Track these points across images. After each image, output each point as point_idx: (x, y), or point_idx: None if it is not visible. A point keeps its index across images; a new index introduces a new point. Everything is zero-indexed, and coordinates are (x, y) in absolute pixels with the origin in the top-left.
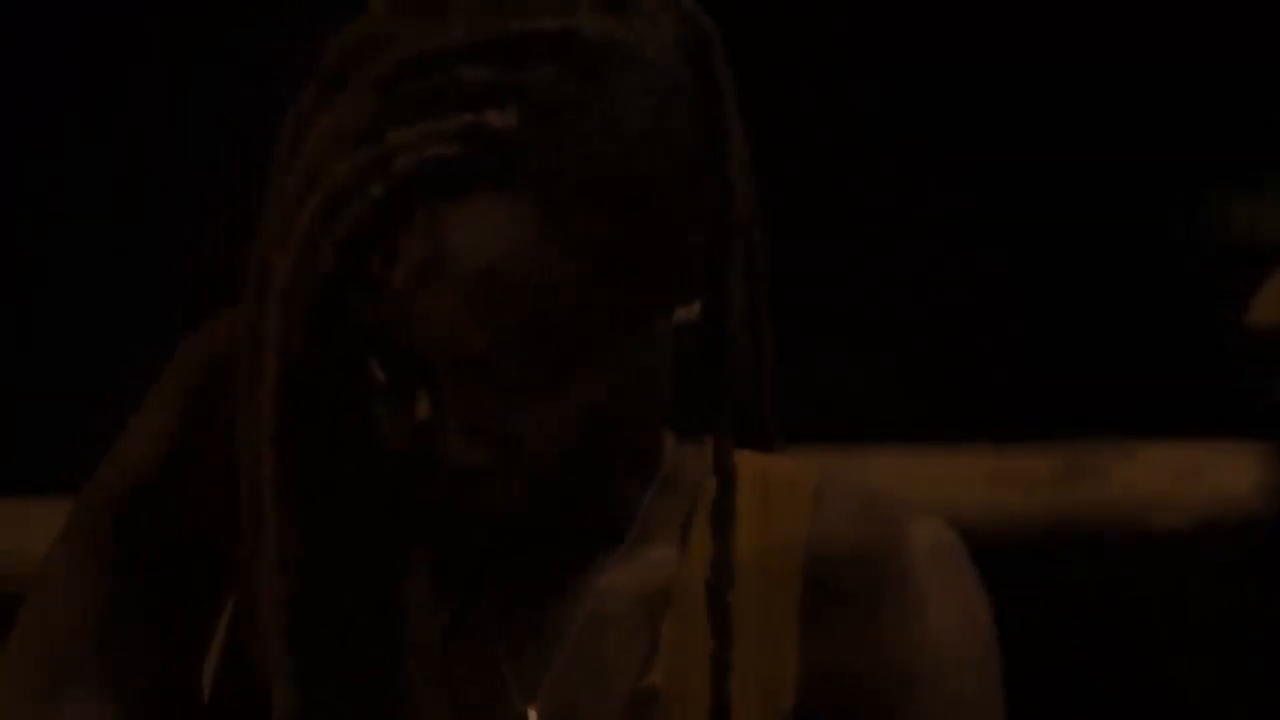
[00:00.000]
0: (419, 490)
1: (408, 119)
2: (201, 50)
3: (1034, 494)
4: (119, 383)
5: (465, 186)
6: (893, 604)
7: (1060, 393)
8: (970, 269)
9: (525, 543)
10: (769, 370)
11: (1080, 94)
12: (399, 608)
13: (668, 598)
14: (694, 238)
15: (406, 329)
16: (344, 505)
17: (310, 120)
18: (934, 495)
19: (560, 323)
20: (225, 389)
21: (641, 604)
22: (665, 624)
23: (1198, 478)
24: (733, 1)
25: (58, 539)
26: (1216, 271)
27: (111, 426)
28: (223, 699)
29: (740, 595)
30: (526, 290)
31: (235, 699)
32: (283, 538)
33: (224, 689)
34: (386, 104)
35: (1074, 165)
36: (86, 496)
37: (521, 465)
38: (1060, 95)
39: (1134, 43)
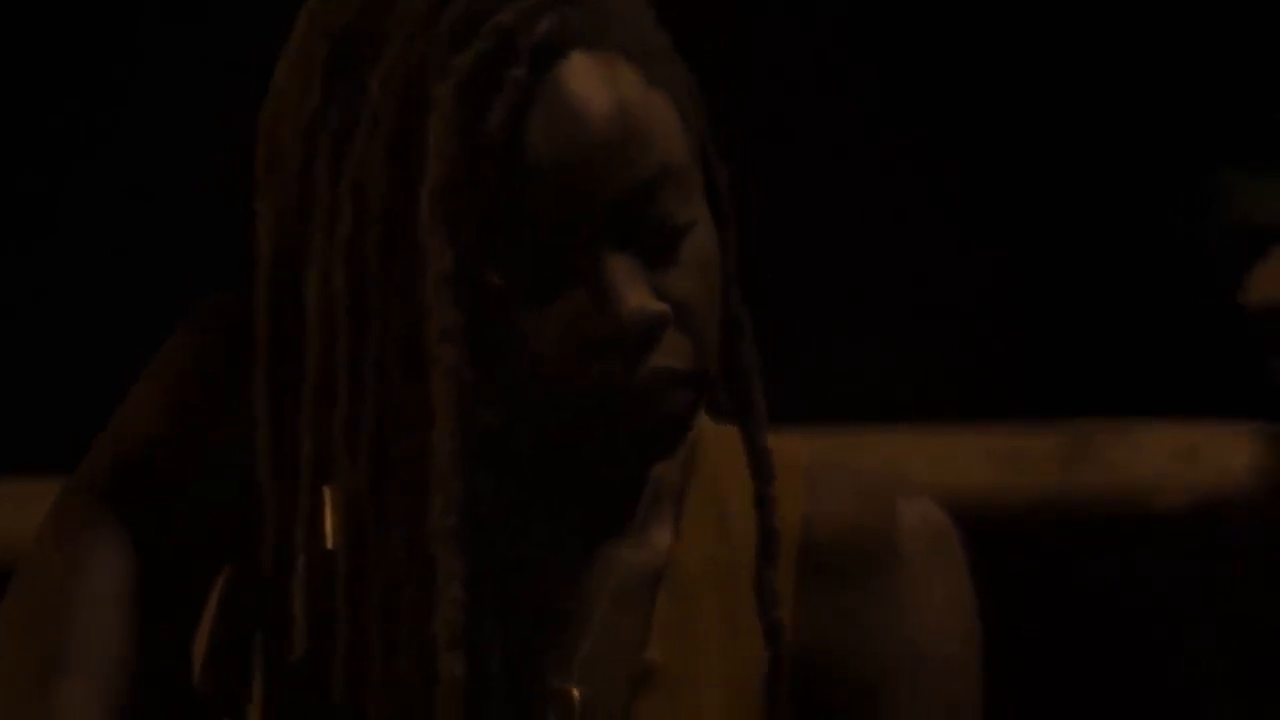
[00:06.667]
0: (585, 389)
1: (497, 3)
2: (201, 50)
3: (1033, 474)
4: (118, 366)
5: (567, 50)
6: (880, 586)
7: (1060, 373)
8: (970, 251)
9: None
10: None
11: (1081, 73)
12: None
13: (663, 575)
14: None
15: (556, 205)
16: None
17: (351, 34)
18: (934, 476)
19: (673, 163)
20: (224, 365)
21: (640, 579)
22: (660, 600)
23: (1196, 458)
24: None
25: (48, 515)
26: (1216, 252)
27: (109, 408)
28: (213, 676)
29: (739, 574)
30: (649, 128)
31: (226, 676)
32: (453, 494)
33: (214, 665)
34: None
35: (1074, 146)
36: (79, 474)
37: (692, 328)
38: (1061, 75)
39: (1135, 23)
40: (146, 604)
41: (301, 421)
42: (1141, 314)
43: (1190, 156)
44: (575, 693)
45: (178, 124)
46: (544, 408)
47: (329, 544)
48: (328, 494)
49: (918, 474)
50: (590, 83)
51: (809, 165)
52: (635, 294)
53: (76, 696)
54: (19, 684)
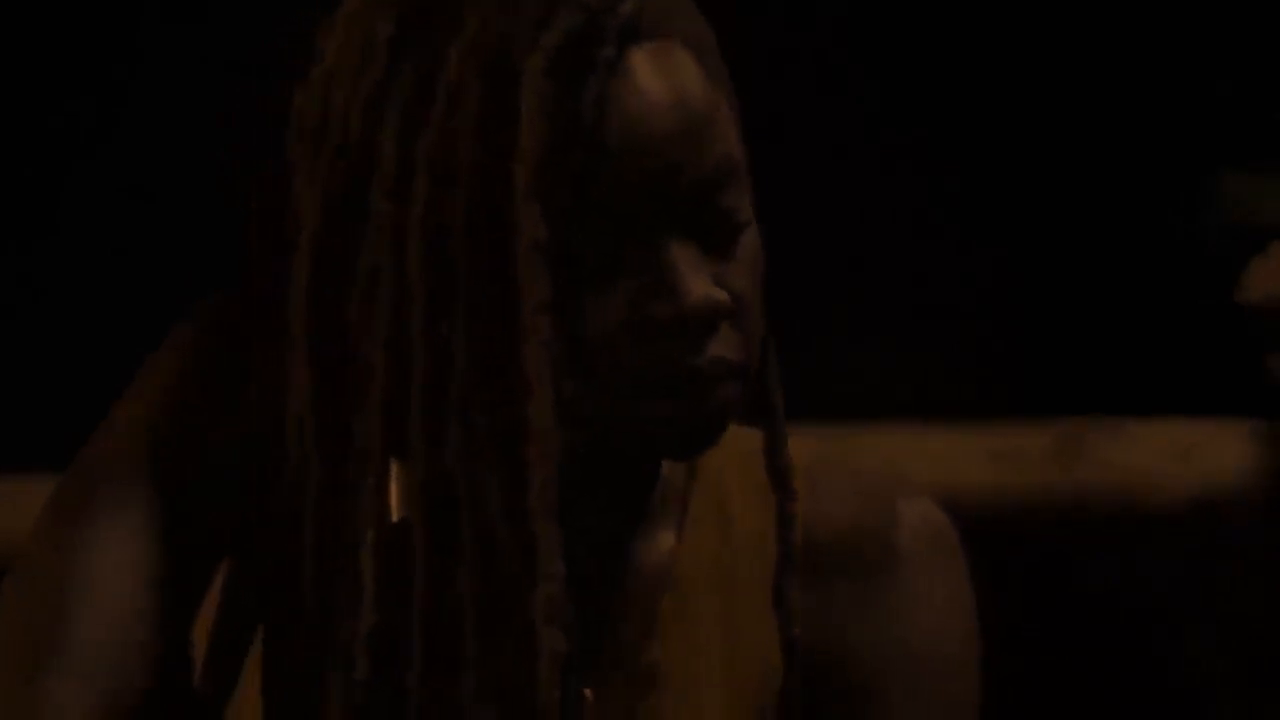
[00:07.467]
0: (639, 373)
1: None
2: (201, 50)
3: (1027, 472)
4: (117, 365)
5: (641, 37)
6: (879, 586)
7: (1057, 371)
8: (969, 249)
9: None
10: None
11: (1080, 72)
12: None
13: (667, 576)
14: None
15: (633, 187)
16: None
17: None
18: (931, 474)
19: (736, 157)
20: (225, 363)
21: (645, 579)
22: (663, 601)
23: (1193, 456)
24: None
25: (44, 511)
26: (1213, 250)
27: (107, 407)
28: (213, 674)
29: (740, 576)
30: (718, 120)
31: (226, 675)
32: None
33: (215, 664)
34: None
35: (1071, 145)
36: (75, 470)
37: (744, 324)
38: (1060, 74)
39: (1134, 23)
40: (142, 601)
41: (371, 394)
42: (1139, 312)
43: (1190, 156)
44: (588, 693)
45: (178, 124)
46: (600, 390)
47: (394, 518)
48: (395, 467)
49: (914, 472)
50: (667, 70)
51: (809, 165)
52: (699, 282)
53: (66, 694)
54: (9, 681)
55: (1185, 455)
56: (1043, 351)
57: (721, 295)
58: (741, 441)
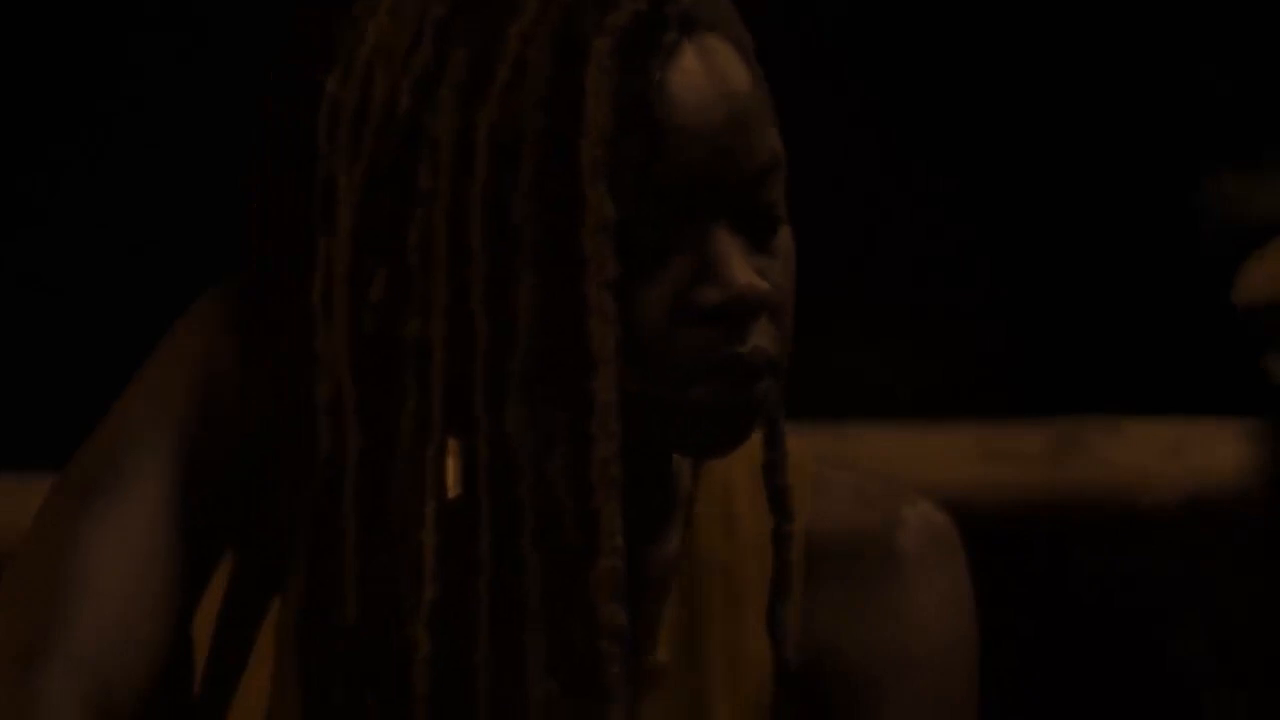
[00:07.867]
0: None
1: None
2: (201, 49)
3: (1023, 470)
4: (117, 364)
5: (697, 28)
6: (881, 589)
7: (1051, 369)
8: (964, 248)
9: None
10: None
11: (1078, 70)
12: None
13: (673, 577)
14: None
15: (690, 173)
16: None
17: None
18: (924, 471)
19: (780, 154)
20: (235, 346)
21: (652, 579)
22: (669, 603)
23: (1186, 454)
24: None
25: (43, 505)
26: (1210, 249)
27: (107, 405)
28: (219, 664)
29: (744, 578)
30: (767, 115)
31: (232, 664)
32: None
33: (220, 654)
34: None
35: (1069, 144)
36: (72, 468)
37: (780, 320)
38: (1058, 72)
39: (1132, 22)
40: (141, 595)
41: (432, 368)
42: (1135, 311)
43: (1188, 156)
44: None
45: (178, 124)
46: (644, 378)
47: (451, 493)
48: (451, 443)
49: (907, 469)
50: (719, 62)
51: (808, 165)
52: (744, 270)
53: (63, 689)
54: (7, 675)
55: (1181, 454)
56: (1039, 350)
57: (764, 285)
58: (746, 444)
